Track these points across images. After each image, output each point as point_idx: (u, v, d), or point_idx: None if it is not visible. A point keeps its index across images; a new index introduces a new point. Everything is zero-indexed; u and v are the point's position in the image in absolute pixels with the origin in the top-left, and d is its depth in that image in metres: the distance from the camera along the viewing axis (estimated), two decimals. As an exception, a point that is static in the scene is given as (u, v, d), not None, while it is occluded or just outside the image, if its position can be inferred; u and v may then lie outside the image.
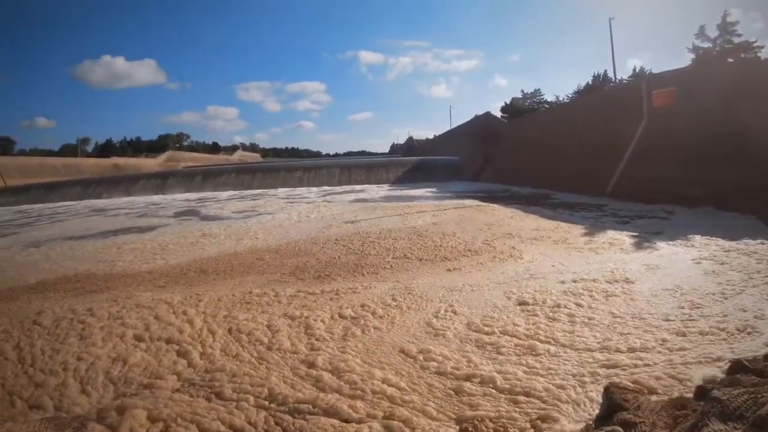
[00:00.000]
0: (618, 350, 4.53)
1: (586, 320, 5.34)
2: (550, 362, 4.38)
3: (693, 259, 7.71)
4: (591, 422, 3.38)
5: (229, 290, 7.48)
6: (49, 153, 70.56)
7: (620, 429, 2.83)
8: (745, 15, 78.13)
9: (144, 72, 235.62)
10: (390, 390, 3.98)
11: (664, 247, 8.70)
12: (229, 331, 5.68)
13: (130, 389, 4.47)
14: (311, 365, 4.57)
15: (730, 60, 28.81)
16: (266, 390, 4.15)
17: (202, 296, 7.13)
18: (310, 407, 3.81)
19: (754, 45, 33.38)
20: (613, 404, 3.31)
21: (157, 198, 31.30)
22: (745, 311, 5.29)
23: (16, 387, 4.65)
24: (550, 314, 5.59)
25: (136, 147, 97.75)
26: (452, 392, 3.94)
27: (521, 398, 3.76)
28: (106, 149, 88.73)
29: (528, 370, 4.26)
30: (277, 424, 3.66)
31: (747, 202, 11.55)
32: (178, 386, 4.46)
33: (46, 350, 5.52)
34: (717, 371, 3.84)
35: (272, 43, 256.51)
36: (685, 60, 38.79)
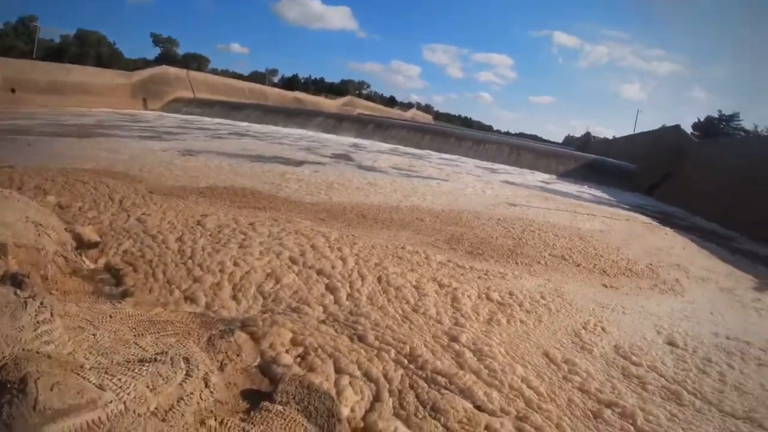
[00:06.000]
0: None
1: (737, 385, 4.57)
2: (693, 417, 3.90)
3: None
4: None
5: (384, 240, 7.73)
6: (240, 76, 78.30)
7: None
8: None
9: (338, 17, 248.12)
10: (528, 392, 3.83)
11: None
12: (378, 279, 5.88)
13: (279, 308, 4.77)
14: (454, 339, 4.56)
15: None
16: (408, 347, 4.23)
17: (358, 239, 7.47)
18: (447, 382, 3.78)
19: None
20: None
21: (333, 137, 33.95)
22: None
23: (175, 277, 5.20)
24: (699, 364, 4.91)
25: (318, 86, 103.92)
26: (591, 415, 3.70)
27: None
28: (291, 83, 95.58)
29: (670, 416, 3.85)
30: (411, 387, 3.67)
31: None
32: (324, 318, 4.69)
33: (206, 249, 6.06)
34: None
35: (464, 8, 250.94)
36: None
